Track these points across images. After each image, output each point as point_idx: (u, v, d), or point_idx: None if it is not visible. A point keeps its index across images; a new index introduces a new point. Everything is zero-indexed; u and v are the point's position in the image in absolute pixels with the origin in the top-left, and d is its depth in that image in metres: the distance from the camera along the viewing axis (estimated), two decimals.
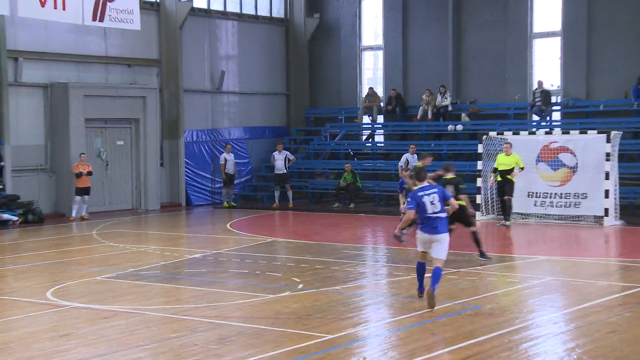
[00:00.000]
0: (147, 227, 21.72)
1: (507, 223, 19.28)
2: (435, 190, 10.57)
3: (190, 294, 11.83)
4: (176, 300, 11.49)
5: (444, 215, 10.46)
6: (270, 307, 10.68)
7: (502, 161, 19.43)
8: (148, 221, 22.65)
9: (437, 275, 10.25)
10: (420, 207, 10.39)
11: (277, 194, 25.39)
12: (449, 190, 12.25)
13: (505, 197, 19.27)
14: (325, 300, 11.01)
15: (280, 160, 25.34)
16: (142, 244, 17.49)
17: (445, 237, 10.48)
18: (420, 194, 10.47)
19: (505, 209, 19.43)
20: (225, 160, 25.54)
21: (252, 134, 28.48)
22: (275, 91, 29.48)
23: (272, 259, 15.26)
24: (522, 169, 19.48)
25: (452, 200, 10.79)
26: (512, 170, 19.23)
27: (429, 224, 10.44)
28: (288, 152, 25.85)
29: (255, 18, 28.71)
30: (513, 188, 19.31)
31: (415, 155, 23.64)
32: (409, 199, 10.67)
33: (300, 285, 12.10)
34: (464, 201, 13.82)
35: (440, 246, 10.44)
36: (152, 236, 19.58)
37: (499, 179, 19.32)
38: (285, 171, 25.40)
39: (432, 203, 10.39)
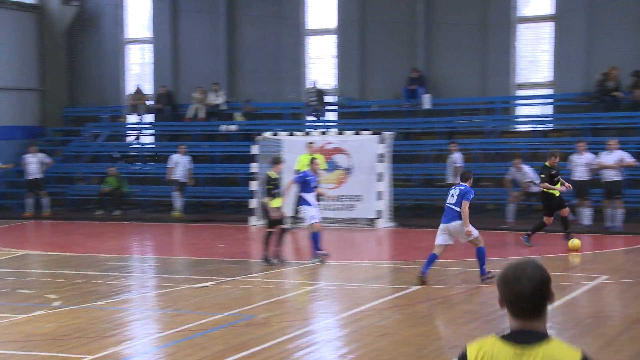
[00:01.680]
0: None
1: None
2: (462, 187, 13.00)
3: None
4: None
5: (457, 208, 12.74)
6: (20, 328, 10.18)
7: (307, 162, 19.91)
8: None
9: (479, 254, 12.75)
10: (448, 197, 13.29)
11: (29, 201, 24.19)
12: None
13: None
14: (85, 318, 10.69)
15: (33, 163, 24.19)
16: None
17: (455, 225, 12.72)
18: (452, 188, 13.38)
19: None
20: None
21: None
22: (26, 86, 28.05)
23: (23, 274, 14.54)
24: (325, 170, 20.19)
25: (464, 203, 12.75)
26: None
27: (445, 214, 12.93)
28: (44, 155, 24.72)
29: (1, 2, 27.15)
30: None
31: (187, 157, 23.61)
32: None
33: (57, 303, 11.64)
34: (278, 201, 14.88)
35: (460, 233, 12.77)
36: None
37: None
38: (39, 176, 24.27)
39: (451, 196, 12.96)
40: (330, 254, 15.05)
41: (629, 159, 19.05)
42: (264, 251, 14.80)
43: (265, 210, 15.06)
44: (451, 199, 12.89)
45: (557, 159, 16.91)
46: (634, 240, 16.49)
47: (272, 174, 15.22)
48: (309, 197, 15.15)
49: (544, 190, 16.72)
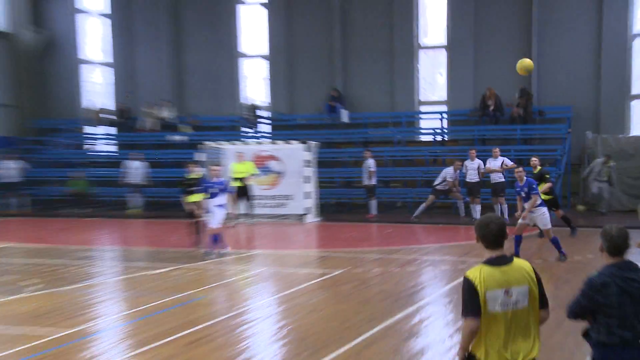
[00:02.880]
0: None
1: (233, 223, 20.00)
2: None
3: None
4: None
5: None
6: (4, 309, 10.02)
7: (237, 169, 20.07)
8: None
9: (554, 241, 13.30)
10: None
11: (14, 201, 23.54)
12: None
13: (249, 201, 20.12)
14: (64, 299, 10.55)
15: (12, 169, 23.58)
16: None
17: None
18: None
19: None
20: None
21: None
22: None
23: (5, 263, 14.22)
24: (256, 174, 20.33)
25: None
26: (247, 176, 19.96)
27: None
28: (22, 161, 24.09)
29: None
30: (251, 191, 20.12)
31: (143, 162, 23.32)
32: (533, 186, 13.32)
33: (40, 286, 11.44)
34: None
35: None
36: None
37: (240, 184, 19.61)
38: (17, 179, 23.67)
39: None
40: (267, 245, 15.02)
41: (509, 162, 19.77)
42: (193, 240, 15.29)
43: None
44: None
45: (533, 163, 16.28)
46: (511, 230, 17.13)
47: (190, 175, 15.36)
48: (211, 204, 14.17)
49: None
